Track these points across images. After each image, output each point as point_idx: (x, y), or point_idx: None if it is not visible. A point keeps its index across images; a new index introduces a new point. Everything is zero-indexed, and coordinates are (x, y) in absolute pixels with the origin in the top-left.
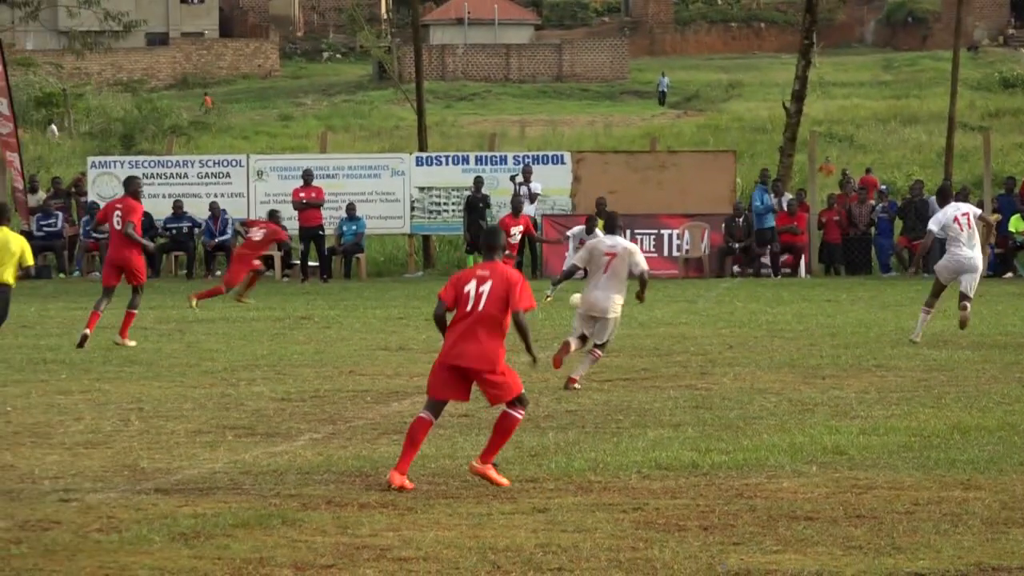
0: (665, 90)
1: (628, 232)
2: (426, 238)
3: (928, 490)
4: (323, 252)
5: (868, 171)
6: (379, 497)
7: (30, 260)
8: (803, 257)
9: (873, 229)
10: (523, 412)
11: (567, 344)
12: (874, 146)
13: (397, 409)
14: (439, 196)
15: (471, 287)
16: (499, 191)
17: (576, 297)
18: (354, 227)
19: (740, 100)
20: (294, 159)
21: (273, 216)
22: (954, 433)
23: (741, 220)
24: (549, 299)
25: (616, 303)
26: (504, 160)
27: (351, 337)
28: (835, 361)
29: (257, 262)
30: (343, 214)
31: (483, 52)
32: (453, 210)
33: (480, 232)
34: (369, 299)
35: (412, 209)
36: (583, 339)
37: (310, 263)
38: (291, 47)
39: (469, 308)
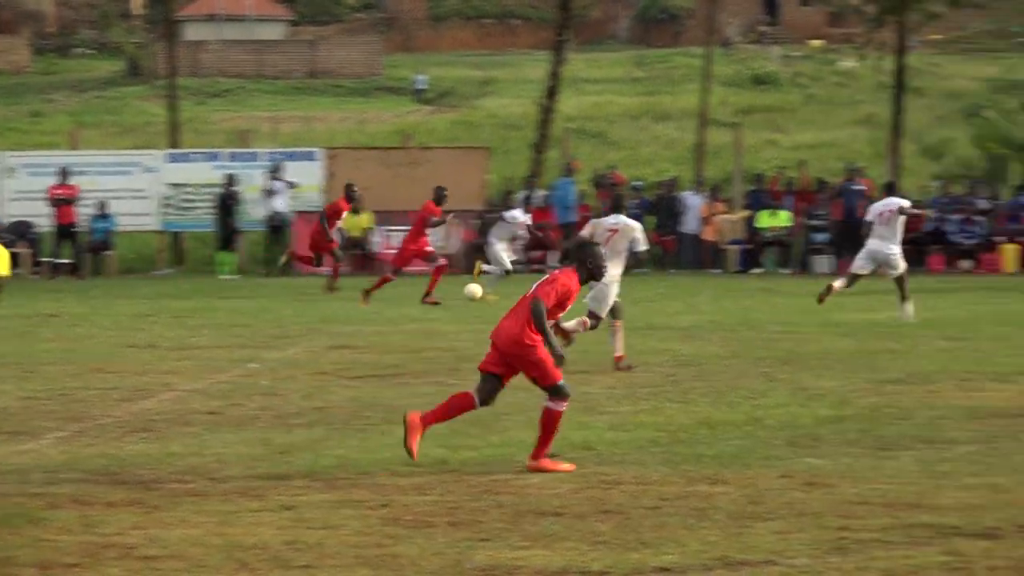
0: (423, 87)
1: (382, 229)
2: (177, 235)
3: (675, 485)
4: (78, 249)
5: (613, 168)
6: (125, 495)
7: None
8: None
9: None
10: (563, 404)
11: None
12: (626, 142)
13: (145, 407)
14: (191, 193)
15: (537, 283)
16: (252, 188)
17: (471, 288)
18: (104, 224)
19: (494, 96)
20: (45, 156)
21: None
22: (701, 428)
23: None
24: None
25: (613, 275)
26: (256, 157)
27: (99, 334)
28: (584, 357)
29: None
30: (94, 211)
31: (237, 48)
32: (205, 207)
33: (231, 231)
34: (118, 296)
35: (163, 206)
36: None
37: (65, 260)
38: (43, 43)
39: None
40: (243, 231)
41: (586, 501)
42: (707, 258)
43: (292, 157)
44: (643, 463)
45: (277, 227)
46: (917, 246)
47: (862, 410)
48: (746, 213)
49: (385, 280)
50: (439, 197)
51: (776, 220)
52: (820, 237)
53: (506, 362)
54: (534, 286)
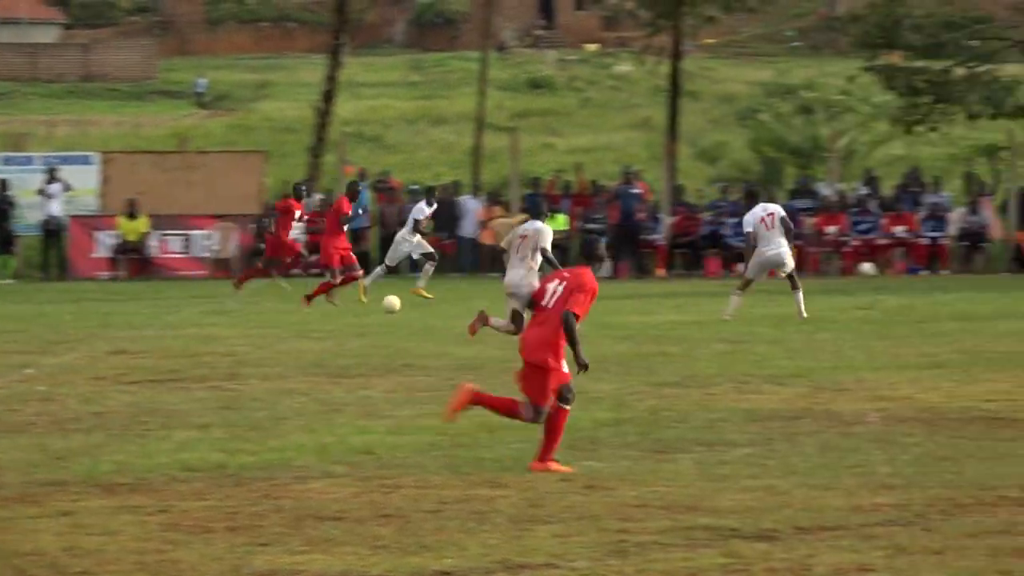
0: (203, 91)
1: (158, 233)
2: None
3: (455, 488)
4: None
5: (388, 173)
6: None
7: None
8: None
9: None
10: (567, 406)
11: (483, 315)
12: (403, 146)
13: None
14: None
15: (551, 285)
16: (27, 192)
17: (389, 300)
18: None
19: (270, 100)
20: None
21: None
22: (481, 432)
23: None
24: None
25: (527, 281)
26: (31, 161)
27: None
28: (364, 361)
29: None
30: None
31: (10, 51)
32: None
33: (7, 235)
34: None
35: None
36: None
37: None
38: None
39: (543, 303)
40: (19, 235)
41: (366, 505)
42: (485, 261)
43: (67, 161)
44: (423, 467)
45: (53, 231)
46: (694, 249)
47: (640, 413)
48: (523, 217)
49: (328, 286)
50: (352, 194)
51: (553, 224)
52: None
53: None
54: (553, 293)
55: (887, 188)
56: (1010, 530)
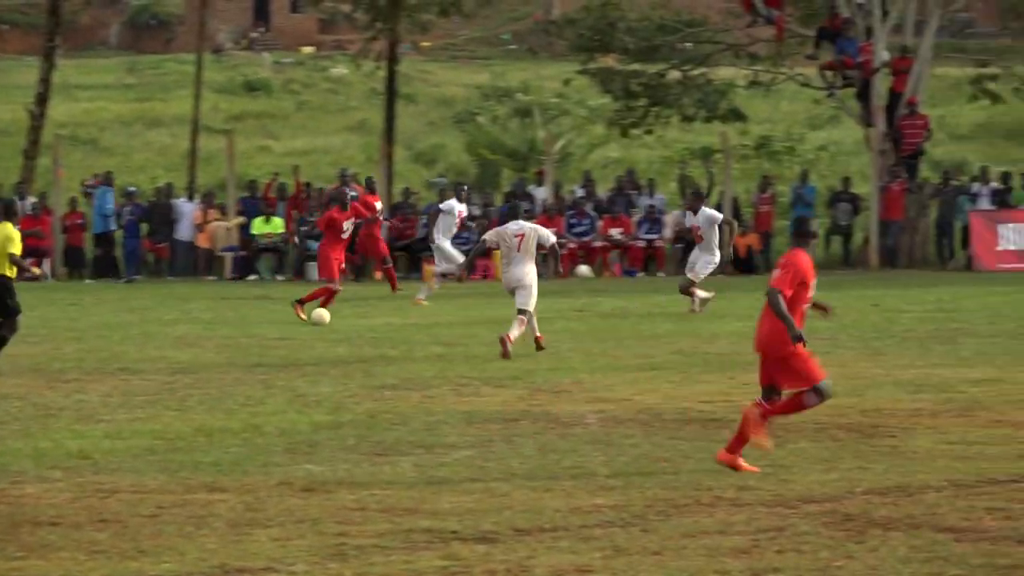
0: None
1: None
2: None
3: (173, 493)
4: None
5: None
6: None
7: (15, 249)
8: (48, 261)
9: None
10: (816, 400)
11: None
12: (118, 149)
13: None
14: None
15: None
16: None
17: (317, 313)
18: None
19: None
20: None
21: None
22: (199, 436)
23: None
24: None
25: (530, 274)
26: None
27: None
28: (79, 365)
29: None
30: None
31: None
32: None
33: None
34: None
35: None
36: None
37: None
38: None
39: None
40: None
41: (83, 510)
42: (202, 265)
43: None
44: (140, 471)
45: None
46: (411, 253)
47: (359, 416)
48: (240, 220)
49: (330, 292)
50: (343, 203)
51: (270, 227)
52: (314, 244)
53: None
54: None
55: (603, 190)
56: (726, 530)
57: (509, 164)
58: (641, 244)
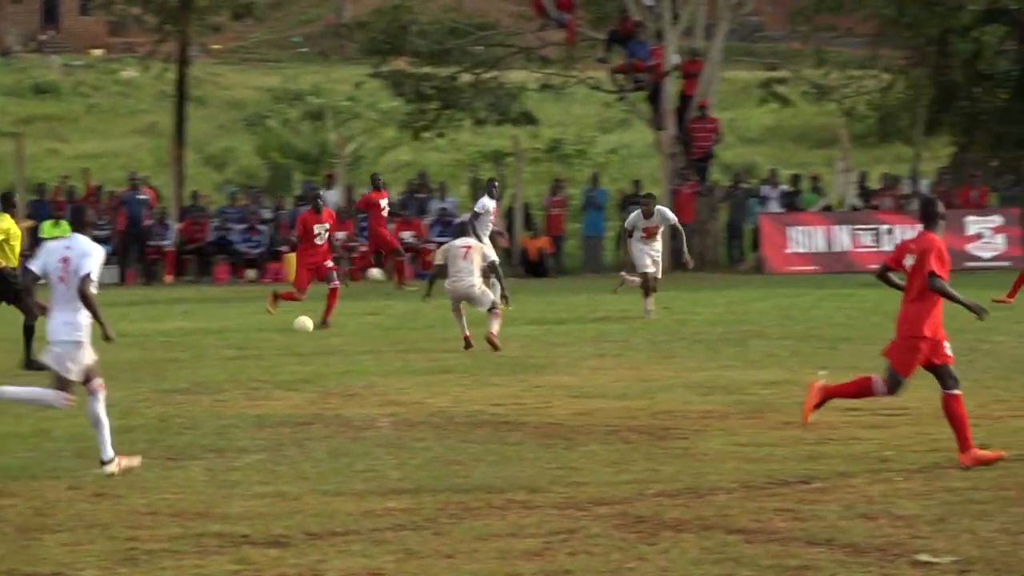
0: None
1: None
2: None
3: None
4: None
5: None
6: None
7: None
8: None
9: None
10: (955, 391)
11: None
12: None
13: None
14: None
15: (906, 258)
16: None
17: (300, 321)
18: None
19: None
20: None
21: None
22: None
23: None
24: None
25: (477, 284)
26: None
27: None
28: None
29: None
30: None
31: None
32: None
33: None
34: None
35: None
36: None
37: None
38: None
39: (901, 268)
40: None
41: None
42: None
43: None
44: None
45: None
46: (202, 256)
47: (150, 420)
48: (29, 223)
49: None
50: (316, 206)
51: (59, 230)
52: (103, 247)
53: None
54: (907, 261)
55: (395, 194)
56: (518, 533)
57: (300, 167)
58: (433, 247)
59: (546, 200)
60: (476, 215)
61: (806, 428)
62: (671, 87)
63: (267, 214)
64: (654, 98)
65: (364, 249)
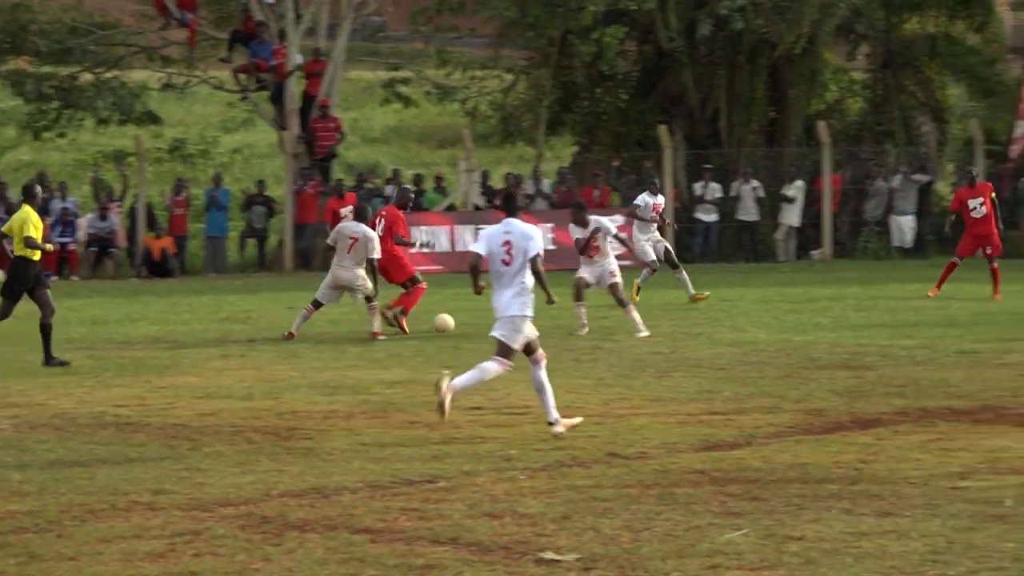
0: None
1: None
2: None
3: None
4: None
5: None
6: None
7: (30, 232)
8: None
9: None
10: None
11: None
12: None
13: None
14: None
15: None
16: None
17: (441, 319)
18: None
19: None
20: None
21: None
22: None
23: None
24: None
25: (360, 275)
26: None
27: None
28: None
29: None
30: None
31: None
32: None
33: None
34: None
35: None
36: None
37: None
38: None
39: None
40: None
41: None
42: None
43: None
44: None
45: None
46: None
47: None
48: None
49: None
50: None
51: None
52: None
53: None
54: None
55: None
56: (142, 535)
57: None
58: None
59: (169, 200)
60: (636, 208)
61: (431, 427)
62: (294, 87)
63: None
64: (277, 98)
65: None
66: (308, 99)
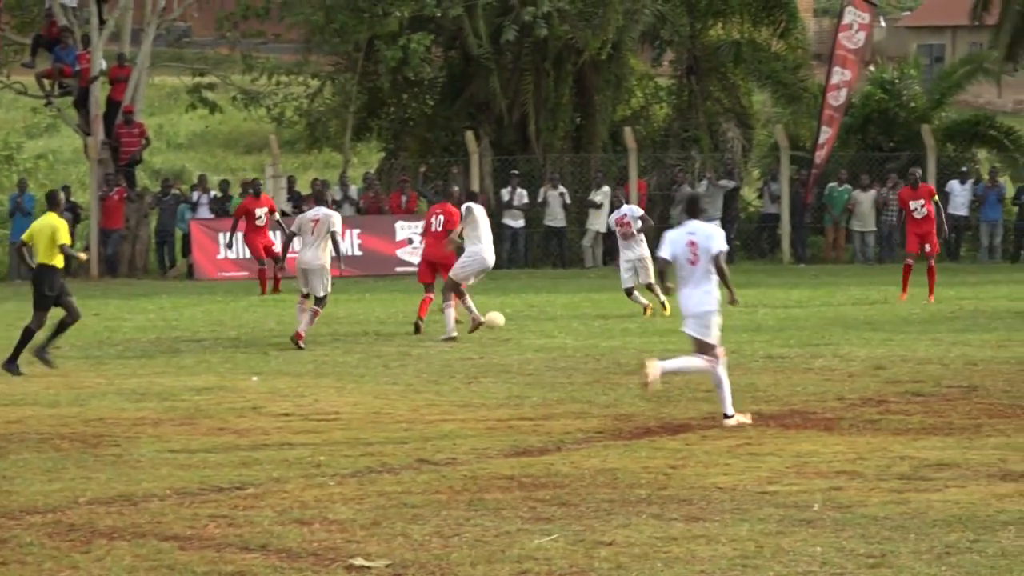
0: None
1: None
2: None
3: None
4: None
5: None
6: None
7: (64, 239)
8: None
9: None
10: None
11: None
12: None
13: None
14: None
15: None
16: None
17: (491, 316)
18: None
19: None
20: None
21: None
22: None
23: None
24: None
25: (321, 257)
26: None
27: None
28: None
29: None
30: None
31: None
32: None
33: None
34: None
35: None
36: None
37: None
38: None
39: None
40: None
41: None
42: None
43: None
44: None
45: None
46: None
47: None
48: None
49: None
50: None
51: None
52: None
53: None
54: None
55: None
56: None
57: None
58: None
59: None
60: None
61: (239, 434)
62: (99, 92)
63: None
64: (82, 103)
65: None
66: (113, 105)
